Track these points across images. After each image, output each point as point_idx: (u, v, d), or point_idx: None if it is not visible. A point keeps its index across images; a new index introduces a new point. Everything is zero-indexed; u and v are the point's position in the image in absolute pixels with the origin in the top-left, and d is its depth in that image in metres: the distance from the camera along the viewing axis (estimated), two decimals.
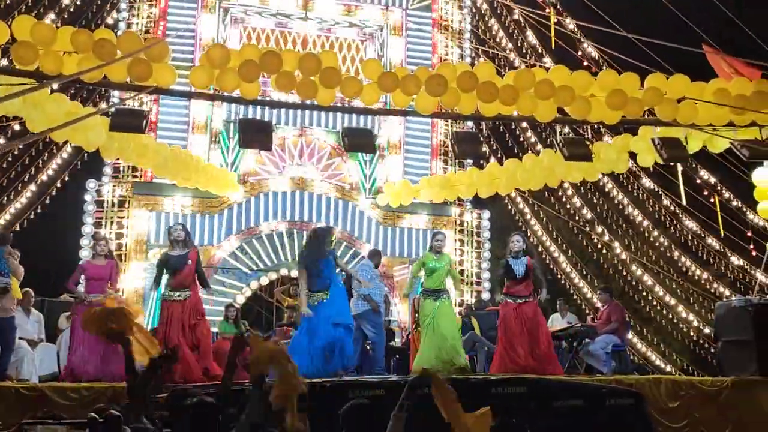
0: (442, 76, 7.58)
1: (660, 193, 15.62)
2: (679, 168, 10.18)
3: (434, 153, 14.05)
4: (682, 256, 16.05)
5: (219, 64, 7.37)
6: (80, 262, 8.57)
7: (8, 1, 13.28)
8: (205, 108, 13.16)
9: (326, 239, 8.20)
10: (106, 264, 8.28)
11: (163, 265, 8.22)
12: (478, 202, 14.00)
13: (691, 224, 15.73)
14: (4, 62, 9.13)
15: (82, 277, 8.39)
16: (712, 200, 13.45)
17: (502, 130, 16.24)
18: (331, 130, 13.66)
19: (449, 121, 13.69)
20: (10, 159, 13.75)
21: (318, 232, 8.40)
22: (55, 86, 8.16)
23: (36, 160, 13.92)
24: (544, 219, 16.69)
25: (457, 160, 13.50)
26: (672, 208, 15.70)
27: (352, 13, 14.24)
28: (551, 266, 16.18)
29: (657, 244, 16.29)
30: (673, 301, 16.04)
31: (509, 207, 16.58)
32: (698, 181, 14.29)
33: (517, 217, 16.58)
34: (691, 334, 16.20)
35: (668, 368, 16.24)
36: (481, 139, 11.60)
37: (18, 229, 13.43)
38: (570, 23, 14.71)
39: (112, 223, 12.61)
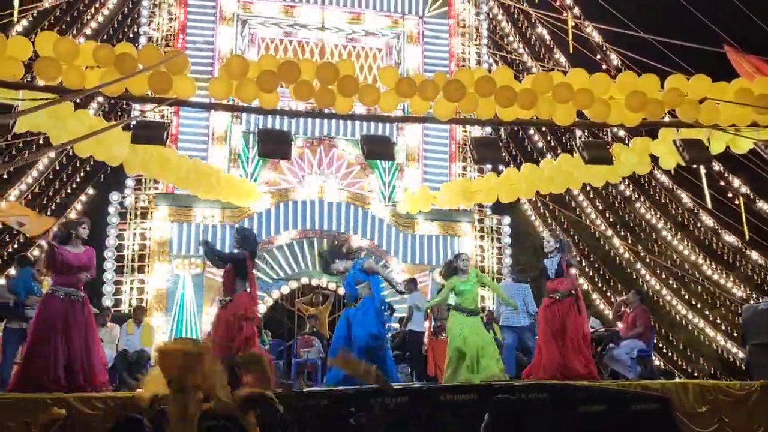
0: (460, 82, 7.56)
1: (682, 195, 15.46)
2: (702, 170, 10.07)
3: (452, 160, 14.03)
4: (707, 259, 15.85)
5: (238, 74, 7.41)
6: (54, 245, 7.09)
7: (30, 18, 13.49)
8: (225, 120, 13.29)
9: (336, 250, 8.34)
10: (84, 251, 7.20)
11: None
12: (498, 208, 13.95)
13: (715, 227, 15.54)
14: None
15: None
16: (736, 202, 13.29)
17: (520, 135, 16.20)
18: (350, 139, 13.70)
19: (467, 127, 13.68)
20: (35, 174, 13.96)
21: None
22: (77, 101, 8.26)
23: (60, 174, 14.12)
24: (566, 224, 16.57)
25: (476, 166, 13.47)
26: (695, 210, 15.52)
27: (369, 22, 14.30)
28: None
29: (681, 247, 16.10)
30: (699, 305, 15.85)
31: (529, 212, 16.50)
32: (721, 182, 14.13)
33: (537, 222, 16.49)
34: (719, 338, 15.97)
35: (695, 373, 16.02)
36: (500, 144, 11.55)
37: (44, 242, 13.59)
38: (588, 26, 14.66)
39: (135, 235, 12.76)
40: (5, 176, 13.03)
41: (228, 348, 7.13)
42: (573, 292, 8.48)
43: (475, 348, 8.14)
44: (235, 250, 7.78)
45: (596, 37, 14.73)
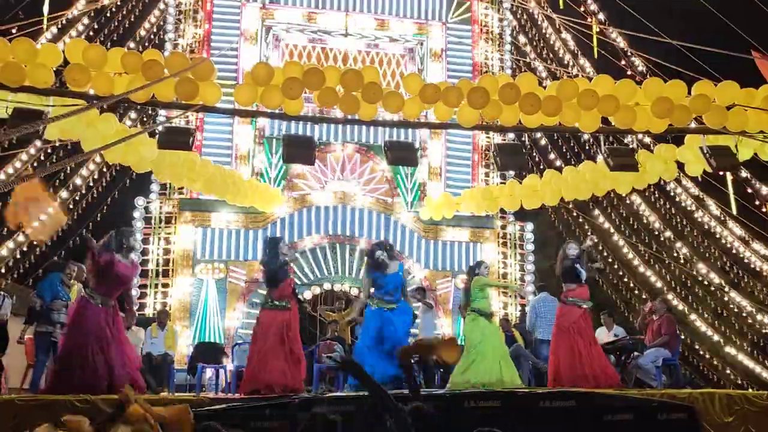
0: (484, 89, 7.56)
1: (709, 203, 15.27)
2: (729, 177, 9.96)
3: (475, 168, 14.00)
4: (734, 267, 15.64)
5: (263, 81, 7.48)
6: (105, 255, 7.09)
7: (60, 26, 13.69)
8: (248, 140, 13.33)
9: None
10: (132, 266, 7.37)
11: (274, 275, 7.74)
12: (520, 214, 13.87)
13: (742, 234, 15.33)
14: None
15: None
16: (764, 210, 13.12)
17: (544, 141, 16.11)
18: (373, 145, 13.72)
19: (490, 133, 13.63)
20: (62, 178, 14.14)
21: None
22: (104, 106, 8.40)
23: (86, 179, 14.29)
24: (589, 231, 16.42)
25: (499, 174, 13.42)
26: (722, 218, 15.32)
27: (392, 28, 14.32)
28: (596, 277, 15.88)
29: (707, 255, 15.90)
30: (725, 314, 15.64)
31: (552, 218, 16.40)
32: (749, 190, 13.94)
33: (560, 229, 16.39)
34: (745, 347, 15.75)
35: (722, 382, 15.80)
36: (524, 150, 11.51)
37: (70, 245, 13.79)
38: (613, 32, 14.57)
39: (159, 239, 12.88)
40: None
41: None
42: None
43: (498, 353, 8.19)
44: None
45: (621, 43, 14.62)
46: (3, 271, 13.25)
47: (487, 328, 8.36)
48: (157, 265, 12.77)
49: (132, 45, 14.49)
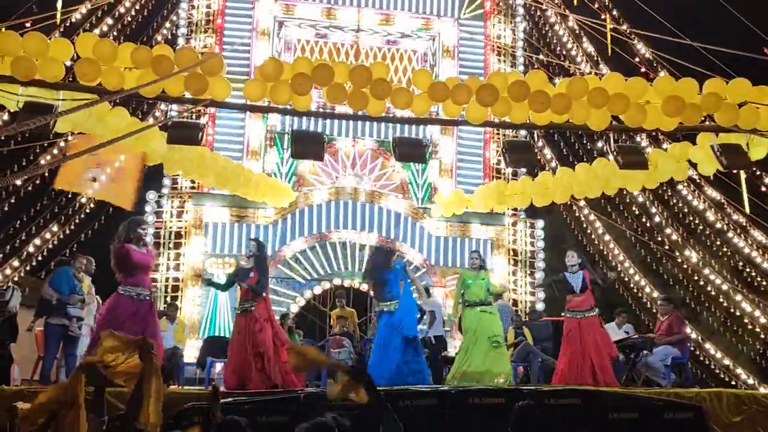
0: (494, 86, 7.53)
1: (723, 201, 15.13)
2: (742, 175, 9.86)
3: (486, 169, 13.95)
4: (747, 266, 15.48)
5: (272, 77, 7.49)
6: (121, 246, 7.22)
7: (73, 20, 13.76)
8: (259, 136, 13.39)
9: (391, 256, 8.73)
10: (147, 252, 7.49)
11: (234, 277, 8.20)
12: (531, 211, 13.82)
13: (756, 233, 15.17)
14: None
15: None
16: None
17: (556, 138, 16.03)
18: (383, 140, 13.71)
19: (500, 132, 13.59)
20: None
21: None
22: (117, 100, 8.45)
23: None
24: (600, 228, 16.33)
25: (510, 171, 13.37)
26: (735, 216, 15.18)
27: (404, 24, 14.28)
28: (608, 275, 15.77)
29: (720, 253, 15.76)
30: (738, 313, 15.49)
31: (564, 215, 16.31)
32: (762, 188, 13.79)
33: (572, 226, 16.30)
34: (758, 346, 15.61)
35: (733, 382, 15.66)
36: (535, 148, 11.47)
37: (82, 238, 13.88)
38: (627, 29, 14.45)
39: (170, 234, 12.93)
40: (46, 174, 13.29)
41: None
42: (596, 308, 8.62)
43: (485, 337, 8.29)
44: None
45: (635, 41, 14.50)
46: (16, 263, 13.38)
47: (473, 315, 8.54)
48: (169, 259, 12.82)
49: (144, 39, 14.56)
